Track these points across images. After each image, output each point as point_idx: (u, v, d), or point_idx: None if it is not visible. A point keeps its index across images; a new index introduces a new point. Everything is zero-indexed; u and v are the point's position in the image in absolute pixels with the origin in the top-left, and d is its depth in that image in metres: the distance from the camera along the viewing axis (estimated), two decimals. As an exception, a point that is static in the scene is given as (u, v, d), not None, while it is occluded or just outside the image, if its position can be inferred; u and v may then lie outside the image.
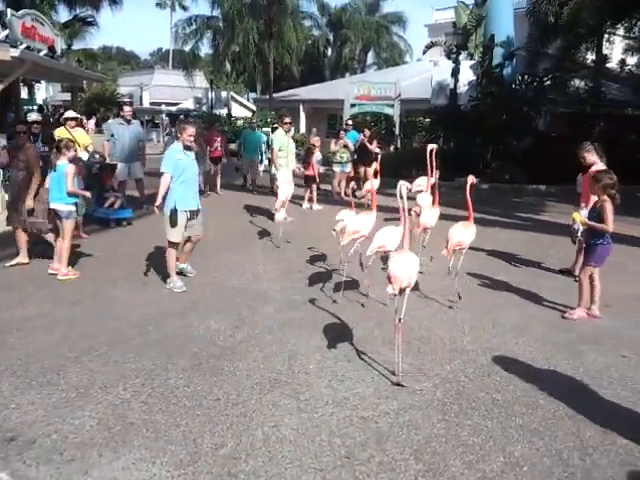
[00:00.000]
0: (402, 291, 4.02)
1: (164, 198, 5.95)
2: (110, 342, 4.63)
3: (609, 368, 4.37)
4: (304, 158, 12.23)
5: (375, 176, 6.43)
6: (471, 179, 5.90)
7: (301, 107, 28.43)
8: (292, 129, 11.70)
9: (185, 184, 6.00)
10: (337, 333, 4.93)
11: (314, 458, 3.16)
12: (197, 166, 6.32)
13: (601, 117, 17.07)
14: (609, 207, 5.20)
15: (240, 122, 26.93)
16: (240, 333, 4.92)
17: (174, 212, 5.92)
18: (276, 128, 12.16)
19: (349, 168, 12.55)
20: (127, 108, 10.32)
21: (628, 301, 6.03)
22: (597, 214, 5.29)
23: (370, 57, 42.63)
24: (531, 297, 6.10)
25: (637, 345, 4.83)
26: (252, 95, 38.48)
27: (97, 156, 9.94)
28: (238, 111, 32.84)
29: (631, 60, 19.09)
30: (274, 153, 10.27)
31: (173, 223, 5.93)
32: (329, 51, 41.82)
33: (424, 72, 22.20)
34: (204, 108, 32.67)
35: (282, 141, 10.23)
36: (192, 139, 6.07)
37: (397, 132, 17.78)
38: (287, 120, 10.74)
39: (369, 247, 5.37)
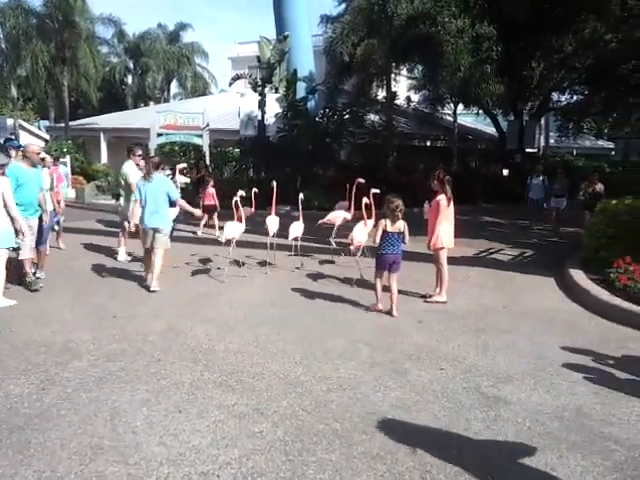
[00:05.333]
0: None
1: None
2: None
3: (432, 382, 4.65)
4: (197, 189, 11.44)
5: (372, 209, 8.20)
6: (373, 190, 8.05)
7: (102, 136, 26.76)
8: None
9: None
10: (163, 382, 4.53)
11: (152, 532, 2.79)
12: None
13: (393, 148, 18.90)
14: (379, 225, 6.49)
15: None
16: (49, 395, 4.25)
17: None
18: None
19: None
20: None
21: (436, 315, 6.57)
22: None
23: (174, 87, 42.11)
24: (355, 319, 6.31)
25: (450, 357, 5.24)
26: (44, 123, 35.18)
27: None
28: (28, 140, 29.82)
29: (414, 97, 21.53)
30: (132, 187, 8.31)
31: None
32: (130, 79, 40.30)
33: (231, 103, 22.45)
34: (-15, 136, 29.01)
35: (137, 176, 8.43)
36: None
37: (208, 162, 17.63)
38: (139, 153, 9.25)
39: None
